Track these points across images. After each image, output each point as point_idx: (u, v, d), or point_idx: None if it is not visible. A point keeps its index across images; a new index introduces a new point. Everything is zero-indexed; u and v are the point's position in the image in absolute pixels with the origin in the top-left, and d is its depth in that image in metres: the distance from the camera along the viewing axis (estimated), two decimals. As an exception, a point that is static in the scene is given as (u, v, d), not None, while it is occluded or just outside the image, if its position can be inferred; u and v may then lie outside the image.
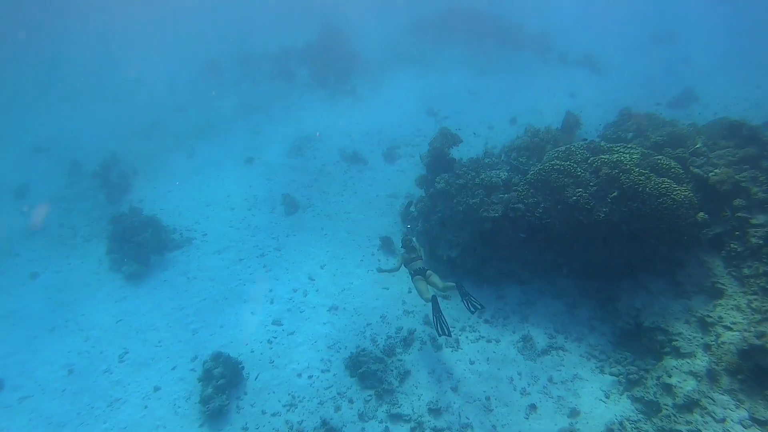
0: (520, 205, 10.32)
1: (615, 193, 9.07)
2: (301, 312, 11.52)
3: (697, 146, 9.77)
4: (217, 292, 12.37)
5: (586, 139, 12.71)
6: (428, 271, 9.57)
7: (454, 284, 9.01)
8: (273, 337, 10.88)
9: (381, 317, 11.06)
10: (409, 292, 11.68)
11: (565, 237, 10.11)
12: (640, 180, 8.80)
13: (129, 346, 11.08)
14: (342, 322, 11.08)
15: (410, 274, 9.84)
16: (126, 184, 16.67)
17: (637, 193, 8.80)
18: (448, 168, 12.02)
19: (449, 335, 8.67)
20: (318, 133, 19.31)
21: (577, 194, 9.51)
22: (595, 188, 9.43)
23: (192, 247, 14.08)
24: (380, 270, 10.74)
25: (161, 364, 10.53)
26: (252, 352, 10.53)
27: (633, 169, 9.01)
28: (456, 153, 12.61)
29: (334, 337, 10.67)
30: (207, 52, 29.88)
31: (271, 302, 11.90)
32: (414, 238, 10.92)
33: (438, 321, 8.67)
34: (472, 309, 8.74)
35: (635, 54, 27.18)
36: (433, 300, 8.86)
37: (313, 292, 12.10)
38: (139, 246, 13.18)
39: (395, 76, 25.14)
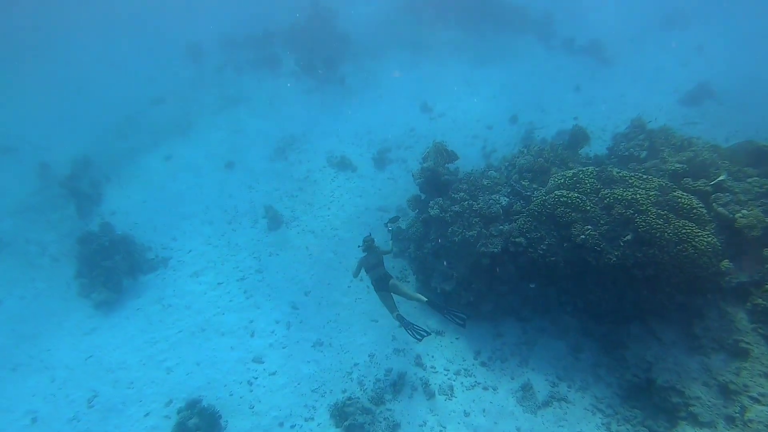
0: (521, 240, 9.47)
1: (629, 237, 8.23)
2: (283, 348, 10.82)
3: (721, 178, 8.87)
4: (193, 322, 11.62)
5: (592, 160, 11.83)
6: (391, 280, 8.93)
7: (425, 300, 8.68)
8: (253, 377, 10.22)
9: (369, 356, 10.36)
10: (400, 326, 10.93)
11: (570, 276, 9.33)
12: (658, 224, 7.94)
13: (98, 387, 10.39)
14: (327, 361, 10.38)
15: (372, 284, 9.11)
16: (97, 194, 15.67)
17: (654, 238, 7.95)
18: (442, 190, 11.10)
19: (428, 334, 8.66)
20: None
21: (586, 233, 8.65)
22: (606, 227, 8.57)
23: (168, 268, 13.26)
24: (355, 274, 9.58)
25: (133, 410, 9.87)
26: (231, 395, 9.88)
27: (650, 210, 8.14)
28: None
29: (318, 379, 10.00)
30: (187, 33, 28.30)
31: (252, 335, 11.20)
32: (383, 240, 10.17)
33: (411, 331, 8.56)
34: (460, 322, 8.46)
35: (645, 40, 25.74)
36: (399, 319, 8.69)
37: (296, 324, 11.38)
38: (110, 271, 12.34)
39: (388, 63, 23.77)
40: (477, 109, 19.19)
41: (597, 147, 13.47)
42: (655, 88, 19.71)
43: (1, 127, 20.73)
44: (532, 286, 9.62)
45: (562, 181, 9.67)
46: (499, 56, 23.94)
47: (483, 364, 9.89)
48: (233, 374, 10.32)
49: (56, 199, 16.34)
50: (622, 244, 8.29)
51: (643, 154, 11.03)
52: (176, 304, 12.15)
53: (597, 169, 9.50)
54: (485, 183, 10.90)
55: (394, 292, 8.95)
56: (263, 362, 10.51)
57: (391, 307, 8.94)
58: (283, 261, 13.07)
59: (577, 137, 11.86)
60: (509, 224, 9.97)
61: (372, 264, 9.16)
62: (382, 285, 8.92)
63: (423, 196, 11.77)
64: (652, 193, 8.47)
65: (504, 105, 19.38)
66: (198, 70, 25.52)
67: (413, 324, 8.65)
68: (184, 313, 11.89)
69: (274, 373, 10.23)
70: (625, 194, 8.50)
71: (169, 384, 10.28)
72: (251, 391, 9.93)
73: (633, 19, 27.97)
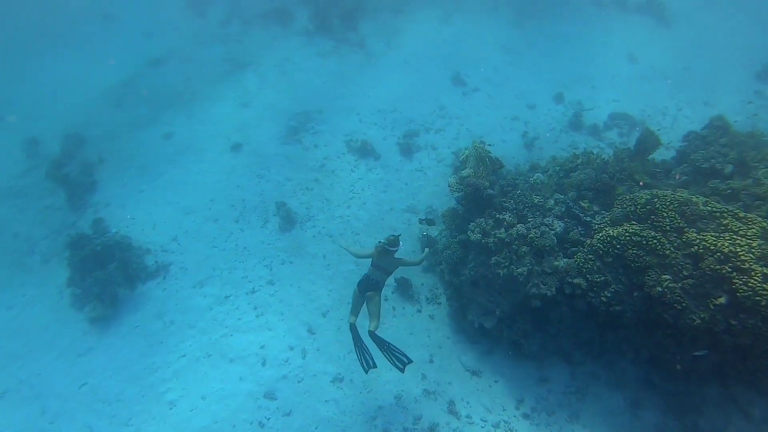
0: (580, 281, 8.23)
1: (722, 299, 6.93)
2: (299, 381, 9.92)
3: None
4: (197, 345, 10.74)
5: (661, 169, 10.28)
6: (372, 292, 8.08)
7: (371, 329, 8.02)
8: (266, 417, 9.38)
9: (396, 398, 9.45)
10: (431, 362, 10.00)
11: (638, 327, 8.15)
12: (764, 290, 6.60)
13: (93, 423, 9.65)
14: (348, 401, 9.50)
15: (359, 281, 8.24)
16: (90, 182, 14.45)
17: (757, 306, 6.64)
18: (484, 206, 9.72)
19: (374, 367, 8.22)
20: None
21: (664, 284, 7.38)
22: (691, 282, 7.27)
23: (169, 275, 12.25)
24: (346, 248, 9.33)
25: (131, 452, 9.16)
26: (240, 439, 9.10)
27: (754, 269, 6.77)
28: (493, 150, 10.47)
29: (338, 423, 9.15)
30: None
31: (263, 364, 10.30)
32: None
33: (359, 354, 8.19)
34: (399, 366, 8.09)
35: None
36: (352, 330, 8.24)
37: (313, 351, 10.43)
38: (104, 282, 11.38)
39: (414, 20, 21.49)
40: (516, 82, 17.32)
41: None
42: (728, 57, 17.50)
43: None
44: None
45: (632, 209, 8.31)
46: (540, 14, 21.48)
47: (526, 416, 8.93)
48: (243, 412, 9.50)
49: (45, 184, 15.22)
50: (712, 307, 7.01)
51: (728, 168, 9.50)
52: (179, 321, 11.24)
53: (678, 199, 8.03)
54: (536, 201, 9.49)
55: (366, 302, 8.16)
56: (276, 398, 9.66)
57: (354, 311, 8.38)
58: (298, 271, 11.99)
59: (646, 144, 10.29)
60: (565, 258, 8.70)
61: (376, 263, 8.30)
62: (363, 287, 8.11)
63: (461, 210, 10.43)
64: (756, 243, 7.06)
65: (547, 77, 17.47)
66: (201, 25, 23.57)
67: (364, 345, 8.16)
68: (188, 333, 10.99)
69: (288, 414, 9.38)
70: (720, 245, 7.11)
71: (171, 421, 9.50)
72: (262, 435, 9.14)
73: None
